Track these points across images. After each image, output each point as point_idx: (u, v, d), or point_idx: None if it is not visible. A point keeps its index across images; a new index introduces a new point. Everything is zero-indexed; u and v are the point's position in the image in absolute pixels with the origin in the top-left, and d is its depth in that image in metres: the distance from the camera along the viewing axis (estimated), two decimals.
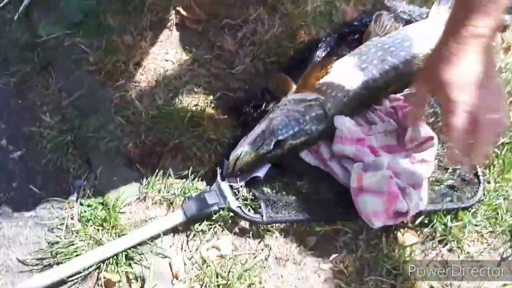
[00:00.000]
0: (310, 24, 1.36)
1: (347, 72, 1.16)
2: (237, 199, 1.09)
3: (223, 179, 1.09)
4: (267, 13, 1.37)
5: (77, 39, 1.33)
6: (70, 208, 1.08)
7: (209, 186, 1.11)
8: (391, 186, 1.03)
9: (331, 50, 1.30)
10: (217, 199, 1.07)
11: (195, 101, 1.24)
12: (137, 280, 1.02)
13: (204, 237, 1.07)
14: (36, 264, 1.03)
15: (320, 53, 1.29)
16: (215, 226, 1.08)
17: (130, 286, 1.01)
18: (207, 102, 1.25)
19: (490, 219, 1.10)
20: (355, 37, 1.32)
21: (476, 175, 1.13)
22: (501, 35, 1.34)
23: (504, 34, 1.35)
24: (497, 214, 1.10)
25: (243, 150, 1.07)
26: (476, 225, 1.10)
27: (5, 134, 1.17)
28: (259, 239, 1.09)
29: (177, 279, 1.02)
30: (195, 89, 1.26)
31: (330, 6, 1.38)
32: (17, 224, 1.06)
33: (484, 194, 1.11)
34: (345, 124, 1.12)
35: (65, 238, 1.03)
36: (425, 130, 1.12)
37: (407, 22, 1.33)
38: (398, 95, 1.21)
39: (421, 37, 1.22)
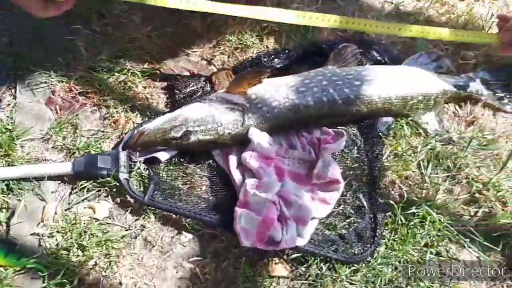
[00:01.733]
0: (283, 33, 1.36)
1: (281, 90, 1.16)
2: (130, 172, 1.13)
3: (124, 148, 1.13)
4: None
5: None
6: None
7: (109, 151, 1.15)
8: (270, 211, 1.04)
9: (289, 63, 1.30)
10: (109, 165, 1.11)
11: (139, 67, 1.28)
12: (7, 211, 1.09)
13: (85, 195, 1.12)
14: None
15: (277, 63, 1.30)
16: (100, 189, 1.13)
17: None
18: (149, 72, 1.28)
19: (368, 283, 1.07)
20: (319, 59, 1.30)
21: (374, 235, 1.11)
22: (470, 107, 1.29)
23: (473, 107, 1.29)
24: (377, 281, 1.07)
25: (150, 128, 1.10)
26: (351, 283, 1.08)
27: None
28: (137, 217, 1.12)
29: (42, 222, 1.07)
30: (144, 57, 1.30)
31: None
32: None
33: (372, 256, 1.09)
34: (258, 138, 1.12)
35: None
36: (334, 172, 1.11)
37: (376, 62, 1.30)
38: (330, 130, 1.19)
39: (376, 81, 1.20)
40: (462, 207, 1.17)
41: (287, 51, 1.31)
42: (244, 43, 1.34)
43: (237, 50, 1.34)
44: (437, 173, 1.19)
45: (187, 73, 1.30)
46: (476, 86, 1.28)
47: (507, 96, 1.30)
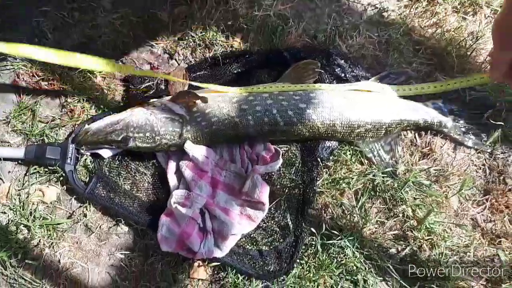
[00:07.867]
0: (250, 31, 1.36)
1: (223, 106, 1.21)
2: (77, 163, 1.26)
3: (73, 142, 1.25)
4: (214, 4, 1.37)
5: None
6: None
7: (61, 141, 1.28)
8: (188, 226, 1.15)
9: (248, 69, 1.32)
10: (58, 155, 1.25)
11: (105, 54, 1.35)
12: None
13: (37, 179, 1.28)
14: None
15: (235, 67, 1.32)
16: (50, 175, 1.28)
17: None
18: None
19: None
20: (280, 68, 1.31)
21: (292, 256, 1.19)
22: (430, 137, 1.27)
23: (434, 138, 1.27)
24: None
25: (93, 128, 1.21)
26: None
27: None
28: (81, 204, 1.28)
29: None
30: (107, 45, 1.38)
31: (280, 23, 1.35)
32: None
33: (286, 275, 1.19)
34: (193, 152, 1.20)
35: None
36: (261, 194, 1.18)
37: (337, 78, 1.28)
38: (273, 147, 1.24)
39: (322, 105, 1.22)
40: (391, 241, 1.21)
41: (247, 56, 1.32)
42: (209, 39, 1.36)
43: (201, 46, 1.38)
44: (371, 205, 1.22)
45: (148, 66, 1.37)
46: (440, 118, 1.25)
47: (473, 129, 1.26)
